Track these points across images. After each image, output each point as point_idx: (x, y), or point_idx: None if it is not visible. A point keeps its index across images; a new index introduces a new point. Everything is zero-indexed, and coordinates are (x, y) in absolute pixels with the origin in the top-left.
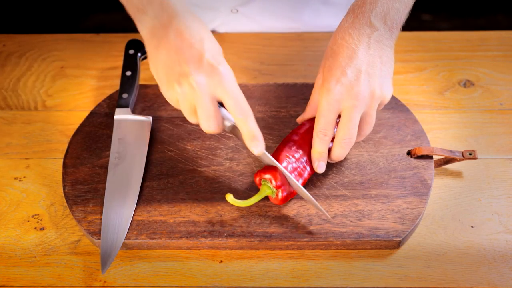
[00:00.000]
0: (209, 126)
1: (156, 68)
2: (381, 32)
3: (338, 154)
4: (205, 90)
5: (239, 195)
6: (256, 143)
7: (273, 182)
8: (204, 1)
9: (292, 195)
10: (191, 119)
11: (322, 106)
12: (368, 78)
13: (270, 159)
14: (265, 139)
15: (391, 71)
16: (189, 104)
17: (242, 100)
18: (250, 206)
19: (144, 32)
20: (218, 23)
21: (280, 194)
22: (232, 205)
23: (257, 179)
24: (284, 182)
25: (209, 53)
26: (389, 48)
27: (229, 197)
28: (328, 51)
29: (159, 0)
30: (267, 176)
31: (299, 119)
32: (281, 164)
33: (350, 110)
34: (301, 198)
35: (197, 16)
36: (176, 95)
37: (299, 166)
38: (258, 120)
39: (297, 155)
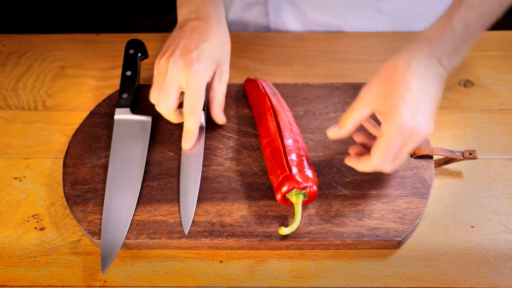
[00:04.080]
0: (157, 101)
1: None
2: (446, 73)
3: (361, 169)
4: (174, 73)
5: (239, 195)
6: (187, 138)
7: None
8: None
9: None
10: (152, 89)
11: (390, 138)
12: (431, 119)
13: None
14: None
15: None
16: (157, 75)
17: (197, 100)
18: (250, 206)
19: (179, 20)
20: (262, 2)
21: (312, 190)
22: (232, 205)
23: (280, 196)
24: (305, 178)
25: (198, 51)
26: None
27: (282, 230)
28: (396, 73)
29: (199, 2)
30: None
31: (333, 133)
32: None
33: (405, 148)
34: None
35: (225, 25)
36: (157, 64)
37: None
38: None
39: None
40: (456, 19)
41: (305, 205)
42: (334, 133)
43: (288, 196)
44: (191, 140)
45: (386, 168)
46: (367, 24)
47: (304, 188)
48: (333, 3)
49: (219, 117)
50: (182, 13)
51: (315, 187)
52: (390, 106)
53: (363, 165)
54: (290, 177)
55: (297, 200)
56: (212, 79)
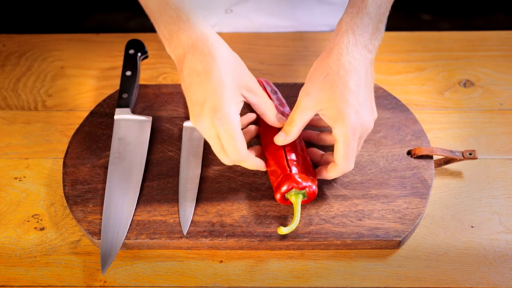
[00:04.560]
0: (220, 159)
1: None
2: (373, 55)
3: (331, 176)
4: (206, 133)
5: (239, 195)
6: (260, 169)
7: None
8: (198, 2)
9: (314, 181)
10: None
11: (346, 141)
12: (372, 108)
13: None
14: None
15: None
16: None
17: (235, 146)
18: (250, 206)
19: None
20: (212, 23)
21: (311, 190)
22: (232, 205)
23: (279, 196)
24: (304, 178)
25: (209, 100)
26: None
27: (280, 229)
28: (330, 73)
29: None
30: (289, 187)
31: (281, 140)
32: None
33: (360, 142)
34: None
35: (213, 37)
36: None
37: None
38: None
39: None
40: (368, 2)
41: (305, 205)
42: (282, 140)
43: (287, 196)
44: (263, 169)
45: (352, 166)
46: (321, 19)
47: (303, 188)
48: (276, 3)
49: (275, 124)
50: (168, 50)
51: (314, 187)
52: (335, 110)
53: (332, 173)
54: (289, 177)
55: (296, 200)
56: (245, 97)
